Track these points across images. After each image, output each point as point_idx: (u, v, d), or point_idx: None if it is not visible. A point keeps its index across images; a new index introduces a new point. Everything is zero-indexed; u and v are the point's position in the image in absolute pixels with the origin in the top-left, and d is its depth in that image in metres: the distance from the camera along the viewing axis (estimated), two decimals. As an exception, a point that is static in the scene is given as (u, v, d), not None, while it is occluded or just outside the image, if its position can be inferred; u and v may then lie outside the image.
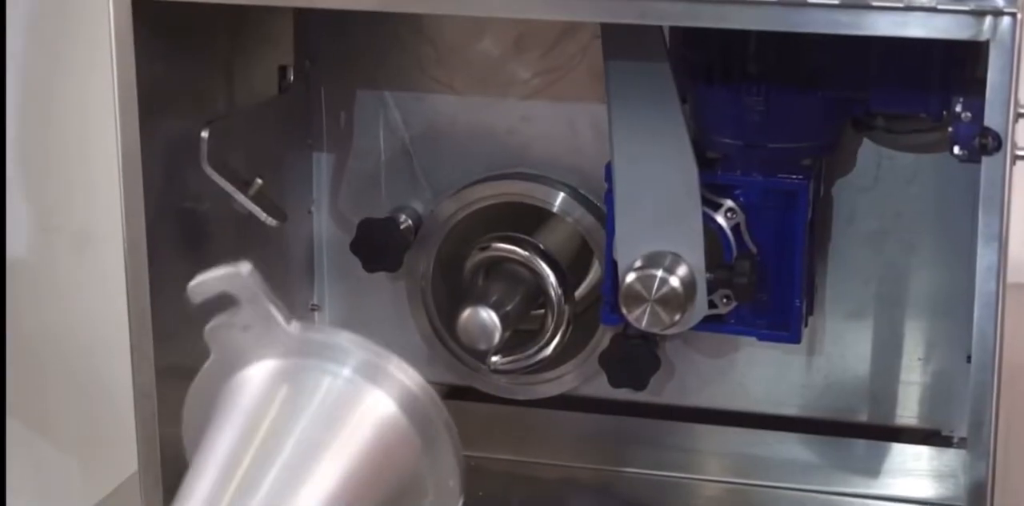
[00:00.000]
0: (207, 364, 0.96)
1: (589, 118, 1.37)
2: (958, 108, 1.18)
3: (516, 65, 1.39)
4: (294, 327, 0.93)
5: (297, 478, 0.88)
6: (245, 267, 0.93)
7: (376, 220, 1.39)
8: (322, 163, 1.46)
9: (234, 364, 0.94)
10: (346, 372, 0.92)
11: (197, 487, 0.89)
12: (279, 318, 0.93)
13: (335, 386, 0.92)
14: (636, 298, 1.23)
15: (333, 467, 0.89)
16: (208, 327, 0.95)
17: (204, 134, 1.25)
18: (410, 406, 0.92)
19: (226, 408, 0.94)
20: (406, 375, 0.92)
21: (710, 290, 1.25)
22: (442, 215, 1.39)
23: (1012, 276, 1.06)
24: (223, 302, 0.93)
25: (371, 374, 0.92)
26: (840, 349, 1.40)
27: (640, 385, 1.33)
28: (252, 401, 0.93)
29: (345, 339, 0.92)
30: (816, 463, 1.40)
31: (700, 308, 1.25)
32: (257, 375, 0.93)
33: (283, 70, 1.39)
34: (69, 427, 1.93)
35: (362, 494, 0.89)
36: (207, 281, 0.94)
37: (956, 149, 1.18)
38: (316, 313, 1.49)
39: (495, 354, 1.35)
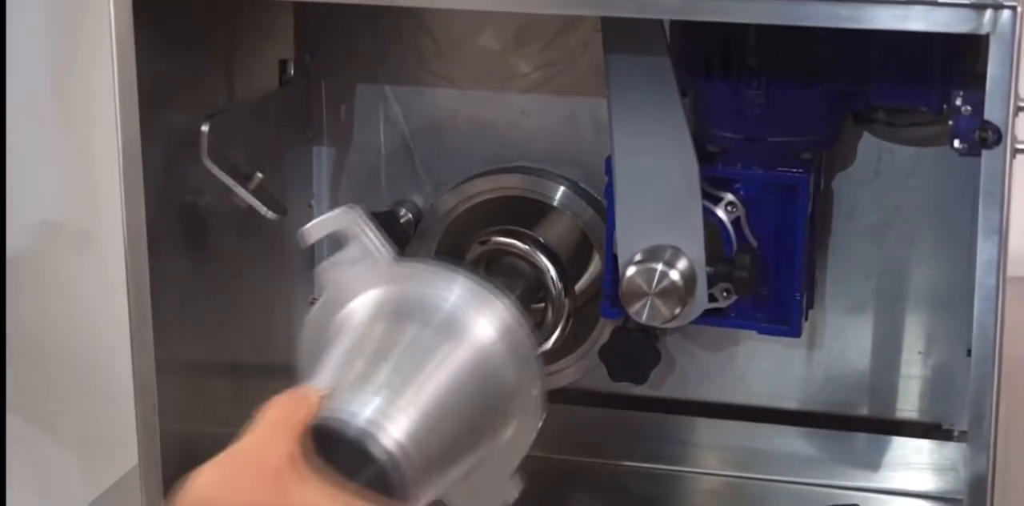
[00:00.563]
0: (319, 303, 1.01)
1: (589, 112, 1.37)
2: (958, 102, 1.18)
3: (516, 59, 1.39)
4: (401, 259, 1.01)
5: (406, 380, 0.92)
6: (354, 207, 1.02)
7: (377, 213, 1.39)
8: (322, 157, 1.46)
9: (345, 297, 1.00)
10: (452, 298, 0.98)
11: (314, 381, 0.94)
12: (385, 251, 1.00)
13: (442, 308, 0.98)
14: (636, 292, 1.23)
15: (439, 374, 0.94)
16: (319, 267, 1.02)
17: (204, 128, 1.25)
18: (507, 334, 0.98)
19: (340, 331, 0.98)
20: (506, 306, 0.98)
21: (710, 284, 1.25)
22: (442, 209, 1.39)
23: (1012, 269, 1.06)
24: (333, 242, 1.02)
25: (475, 302, 0.98)
26: (840, 343, 1.40)
27: (641, 379, 1.33)
28: (365, 320, 0.98)
29: (451, 269, 0.99)
30: (816, 457, 1.40)
31: (700, 302, 1.25)
32: (368, 302, 0.99)
33: (283, 64, 1.40)
34: (69, 424, 1.93)
35: (460, 402, 0.95)
36: (320, 222, 1.03)
37: (956, 143, 1.18)
38: (316, 307, 1.49)
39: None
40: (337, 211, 1.02)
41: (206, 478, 0.84)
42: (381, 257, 1.00)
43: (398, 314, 0.98)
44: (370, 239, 1.01)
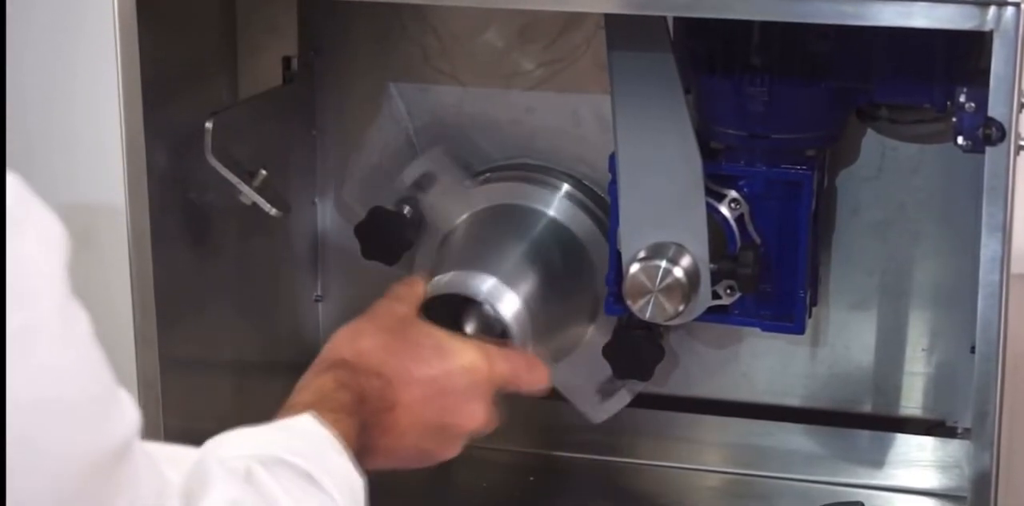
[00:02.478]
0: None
1: (593, 109, 1.37)
2: (962, 98, 1.18)
3: (520, 56, 1.39)
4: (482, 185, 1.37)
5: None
6: (437, 150, 1.38)
7: (388, 211, 1.38)
8: (326, 154, 1.46)
9: (442, 222, 1.36)
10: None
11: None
12: (469, 181, 1.37)
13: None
14: (640, 289, 1.23)
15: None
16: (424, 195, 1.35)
17: (208, 125, 1.25)
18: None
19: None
20: None
21: (714, 281, 1.25)
22: (442, 217, 1.39)
23: (1016, 266, 1.06)
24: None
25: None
26: (844, 340, 1.40)
27: (645, 375, 1.33)
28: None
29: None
30: (820, 454, 1.40)
31: (704, 299, 1.25)
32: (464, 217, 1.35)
33: (287, 61, 1.39)
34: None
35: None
36: (413, 165, 1.37)
37: (960, 139, 1.18)
38: (320, 304, 1.49)
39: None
40: (424, 156, 1.39)
41: (345, 329, 1.06)
42: (467, 186, 1.37)
43: (492, 222, 1.35)
44: (455, 174, 1.38)
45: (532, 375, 1.10)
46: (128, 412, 0.68)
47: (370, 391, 1.00)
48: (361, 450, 0.95)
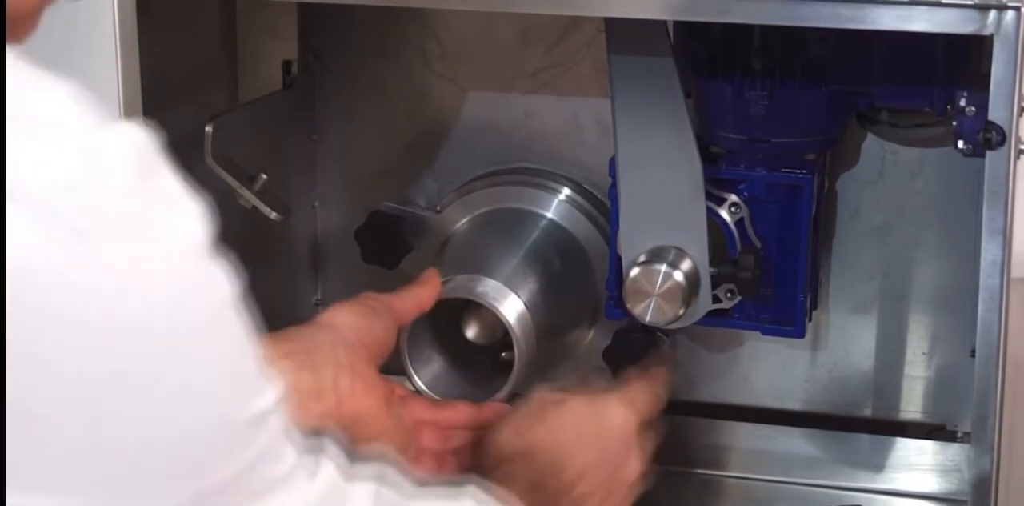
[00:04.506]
0: None
1: (593, 113, 1.37)
2: (962, 102, 1.17)
3: (520, 60, 1.39)
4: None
5: None
6: None
7: (388, 215, 1.39)
8: (326, 158, 1.46)
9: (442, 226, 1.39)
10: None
11: None
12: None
13: None
14: (640, 292, 1.23)
15: None
16: None
17: (208, 129, 1.25)
18: None
19: None
20: None
21: (714, 285, 1.25)
22: (444, 222, 1.39)
23: (1016, 270, 1.06)
24: None
25: None
26: (844, 344, 1.40)
27: (648, 376, 1.33)
28: None
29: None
30: (820, 457, 1.40)
31: (704, 303, 1.25)
32: None
33: (287, 65, 1.40)
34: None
35: None
36: None
37: (960, 143, 1.18)
38: (320, 308, 1.49)
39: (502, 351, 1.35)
40: None
41: (508, 427, 1.04)
42: None
43: None
44: None
45: (662, 396, 1.10)
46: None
47: (546, 478, 1.00)
48: None
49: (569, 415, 1.05)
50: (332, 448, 0.75)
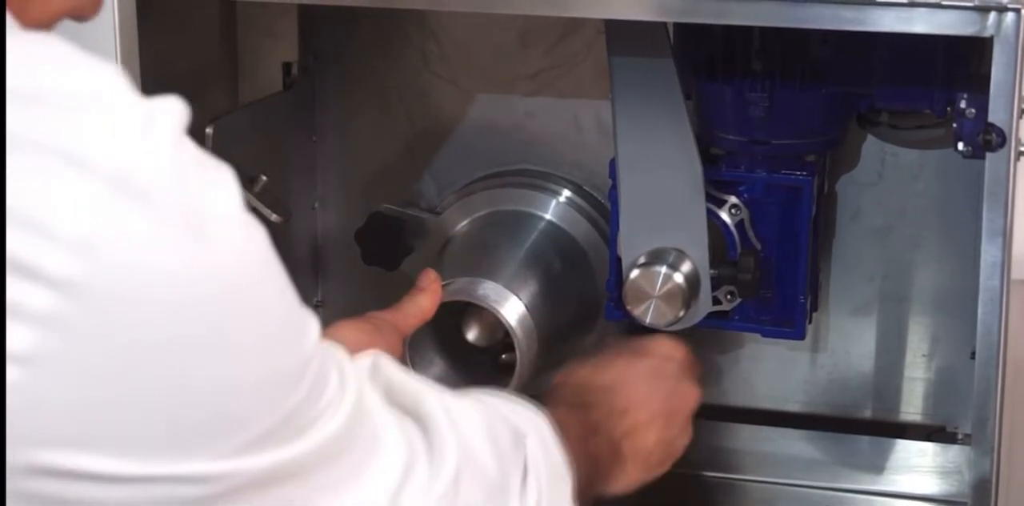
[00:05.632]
0: None
1: (593, 114, 1.37)
2: (962, 104, 1.18)
3: (520, 62, 1.39)
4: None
5: None
6: None
7: (388, 217, 1.38)
8: (326, 159, 1.46)
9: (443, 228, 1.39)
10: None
11: None
12: None
13: None
14: (640, 294, 1.23)
15: None
16: None
17: (209, 131, 1.25)
18: None
19: None
20: None
21: (714, 286, 1.25)
22: (444, 224, 1.39)
23: (1016, 272, 1.06)
24: None
25: None
26: (844, 345, 1.40)
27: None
28: None
29: None
30: (820, 459, 1.40)
31: (704, 304, 1.25)
32: None
33: (287, 67, 1.40)
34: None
35: None
36: None
37: (960, 145, 1.18)
38: (320, 310, 1.49)
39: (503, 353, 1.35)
40: None
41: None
42: None
43: None
44: None
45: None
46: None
47: (598, 403, 1.03)
48: (607, 460, 1.00)
49: (616, 356, 1.10)
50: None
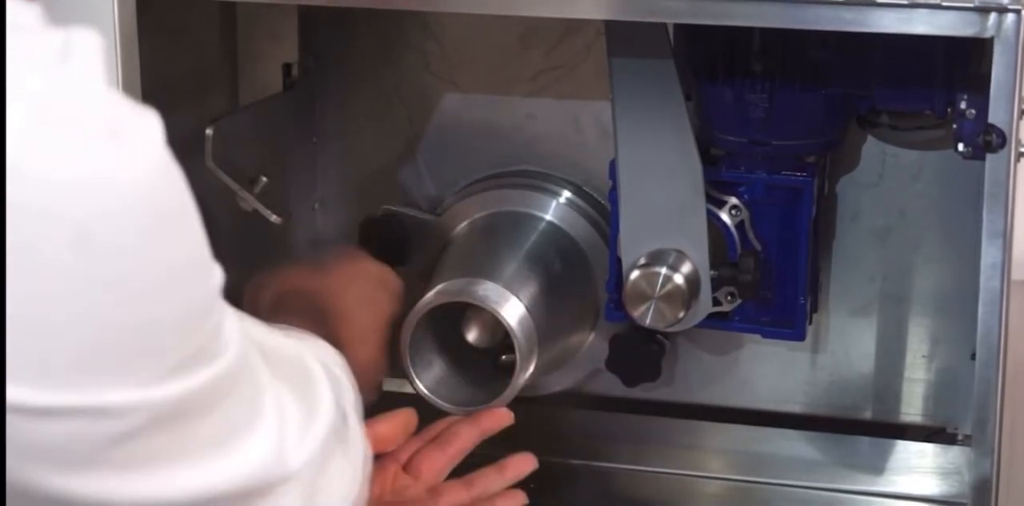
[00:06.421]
0: None
1: (594, 115, 1.37)
2: (962, 105, 1.18)
3: (520, 62, 1.39)
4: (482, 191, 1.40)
5: None
6: None
7: (388, 218, 1.38)
8: (327, 160, 1.46)
9: (443, 229, 1.39)
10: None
11: None
12: None
13: None
14: (640, 295, 1.23)
15: None
16: None
17: (209, 132, 1.25)
18: None
19: None
20: None
21: (714, 287, 1.25)
22: (444, 225, 1.39)
23: (1016, 273, 1.06)
24: None
25: None
26: (844, 346, 1.40)
27: (654, 374, 1.33)
28: None
29: None
30: (820, 460, 1.40)
31: (704, 305, 1.25)
32: None
33: (287, 68, 1.40)
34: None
35: None
36: None
37: (960, 146, 1.18)
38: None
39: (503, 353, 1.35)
40: None
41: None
42: None
43: None
44: None
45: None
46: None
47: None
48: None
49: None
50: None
